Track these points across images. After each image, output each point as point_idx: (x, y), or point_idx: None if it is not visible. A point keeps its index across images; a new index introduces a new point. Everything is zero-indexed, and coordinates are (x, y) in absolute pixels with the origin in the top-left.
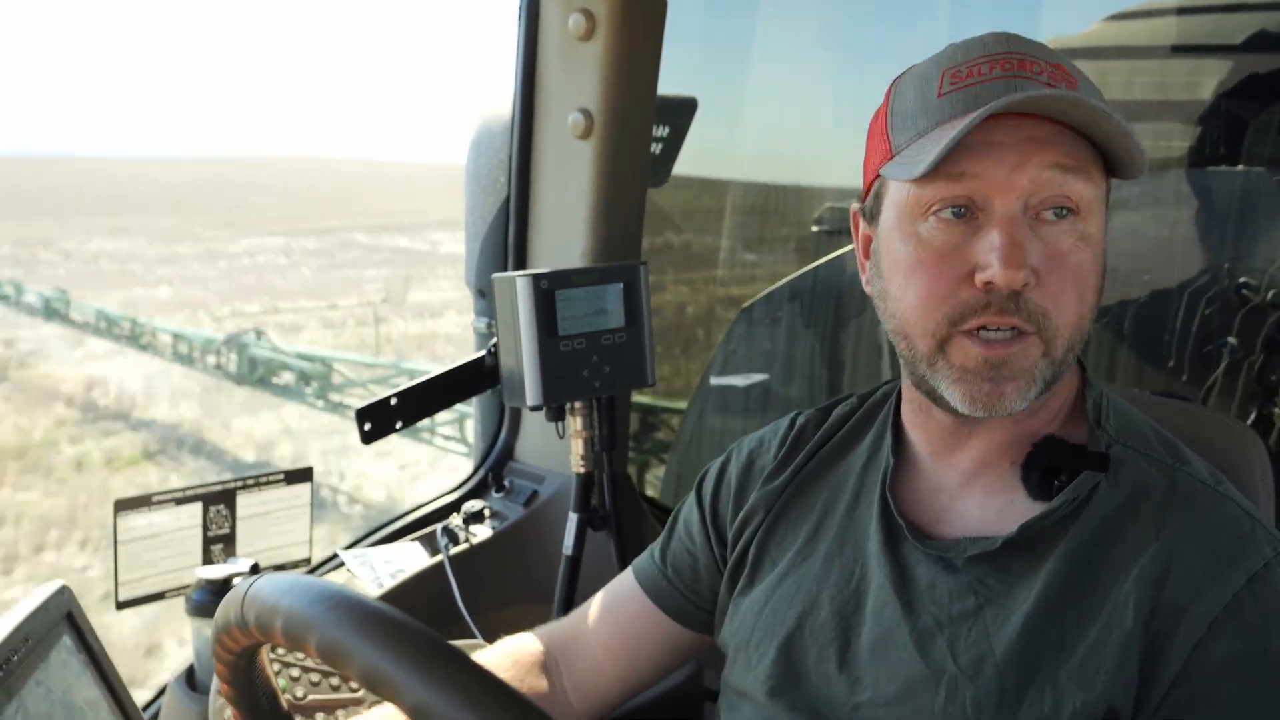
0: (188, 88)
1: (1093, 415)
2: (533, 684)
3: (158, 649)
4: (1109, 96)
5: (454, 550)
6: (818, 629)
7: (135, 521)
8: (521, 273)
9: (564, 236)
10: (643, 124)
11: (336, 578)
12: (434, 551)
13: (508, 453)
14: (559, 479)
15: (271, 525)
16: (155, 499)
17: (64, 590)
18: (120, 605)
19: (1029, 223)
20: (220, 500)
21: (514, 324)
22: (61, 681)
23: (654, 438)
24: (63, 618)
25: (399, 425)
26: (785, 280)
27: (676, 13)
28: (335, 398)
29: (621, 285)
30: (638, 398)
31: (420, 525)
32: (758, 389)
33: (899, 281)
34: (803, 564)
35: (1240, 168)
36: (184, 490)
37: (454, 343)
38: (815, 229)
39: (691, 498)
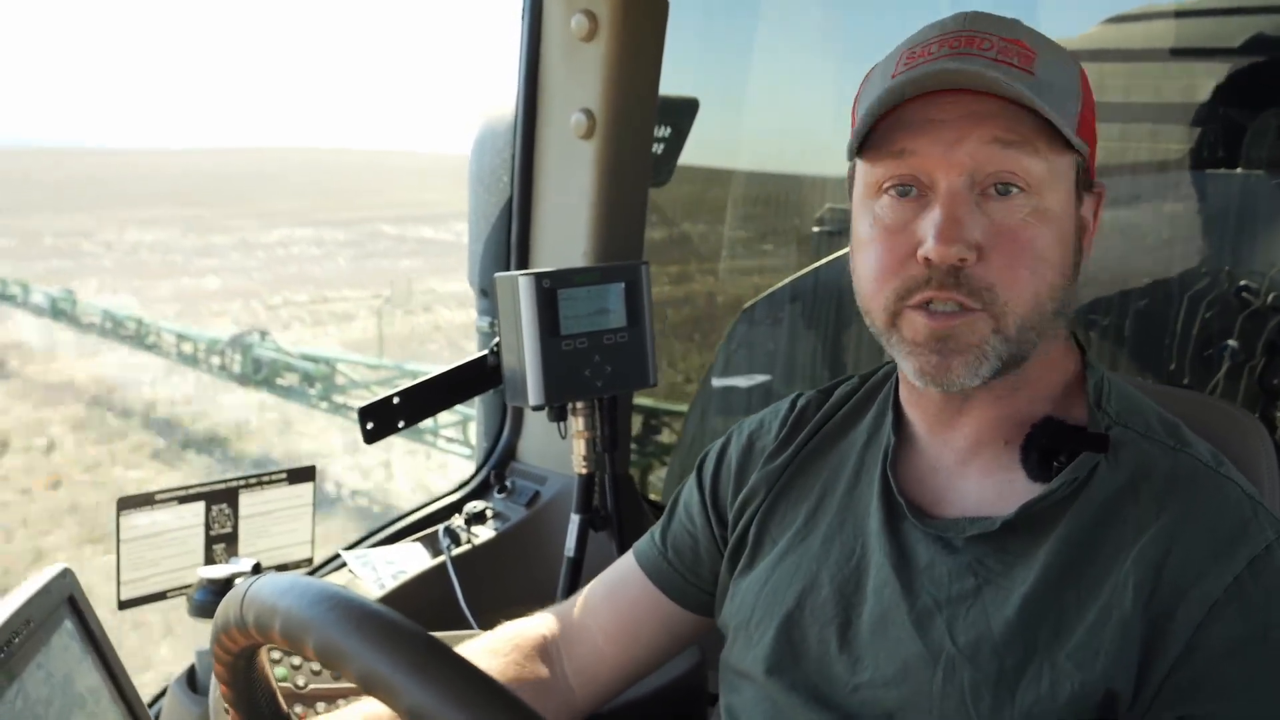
0: (195, 78)
1: (1093, 397)
2: (534, 669)
3: None
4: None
5: (456, 551)
6: (818, 607)
7: (138, 520)
8: (524, 272)
9: (566, 236)
10: (644, 124)
11: (338, 578)
12: (436, 552)
13: (510, 453)
14: (561, 479)
15: (274, 525)
16: (158, 497)
17: (66, 573)
18: (122, 605)
19: (975, 199)
20: (223, 499)
21: (516, 323)
22: (63, 665)
23: (656, 440)
24: (64, 601)
25: (401, 425)
26: (786, 281)
27: (677, 13)
28: (339, 399)
29: (623, 285)
30: (640, 400)
31: (422, 526)
32: (759, 390)
33: (859, 258)
34: (802, 543)
35: (1239, 171)
36: (186, 488)
37: None
38: (816, 229)
39: (692, 479)
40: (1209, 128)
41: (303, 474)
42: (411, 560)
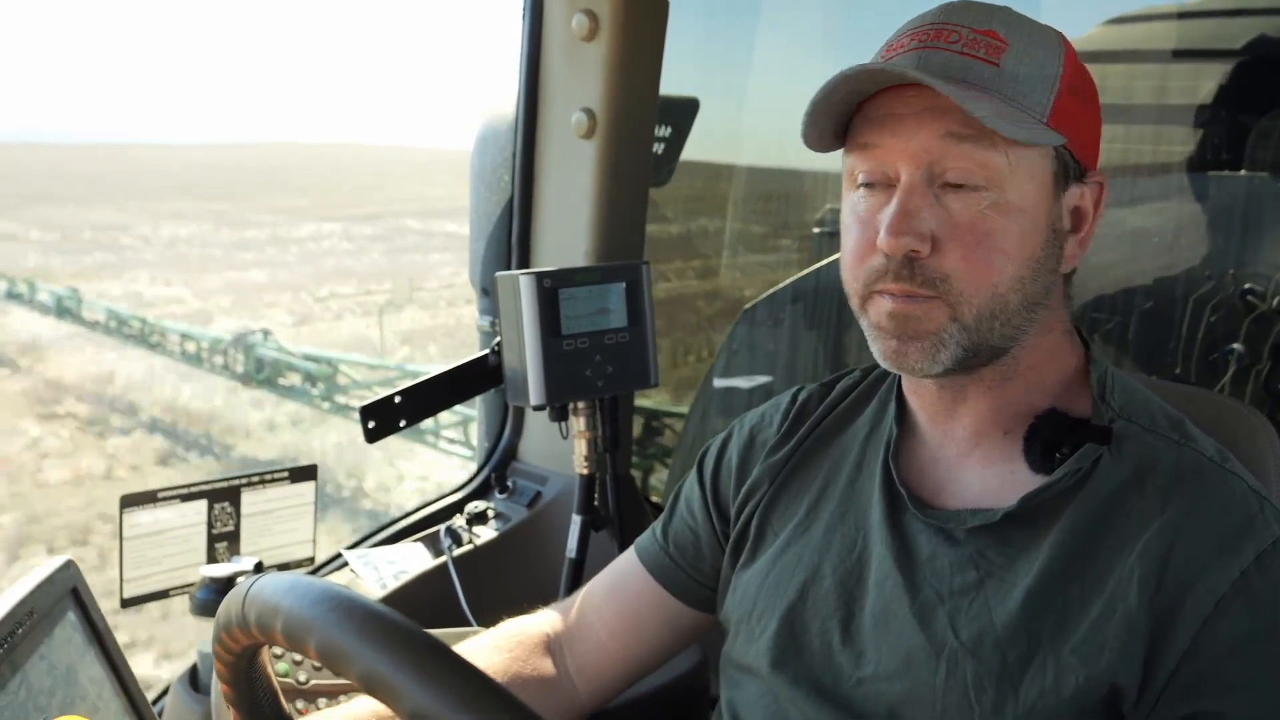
0: (205, 72)
1: (1097, 390)
2: (537, 666)
3: None
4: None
5: (457, 551)
6: (820, 599)
7: (141, 518)
8: (525, 271)
9: (567, 235)
10: (645, 124)
11: (340, 578)
12: (437, 552)
13: (511, 453)
14: (562, 480)
15: (276, 523)
16: (161, 495)
17: (69, 565)
18: (125, 603)
19: (935, 192)
20: (225, 497)
21: (517, 323)
22: (65, 656)
23: (657, 442)
24: (68, 593)
25: (403, 424)
26: (787, 282)
27: (678, 13)
28: (340, 399)
29: (624, 284)
30: (642, 402)
31: (423, 526)
32: (760, 390)
33: (842, 246)
34: (804, 535)
35: (1243, 173)
36: (189, 486)
37: None
38: (817, 230)
39: (693, 475)
40: (1212, 130)
41: (304, 473)
42: (413, 560)
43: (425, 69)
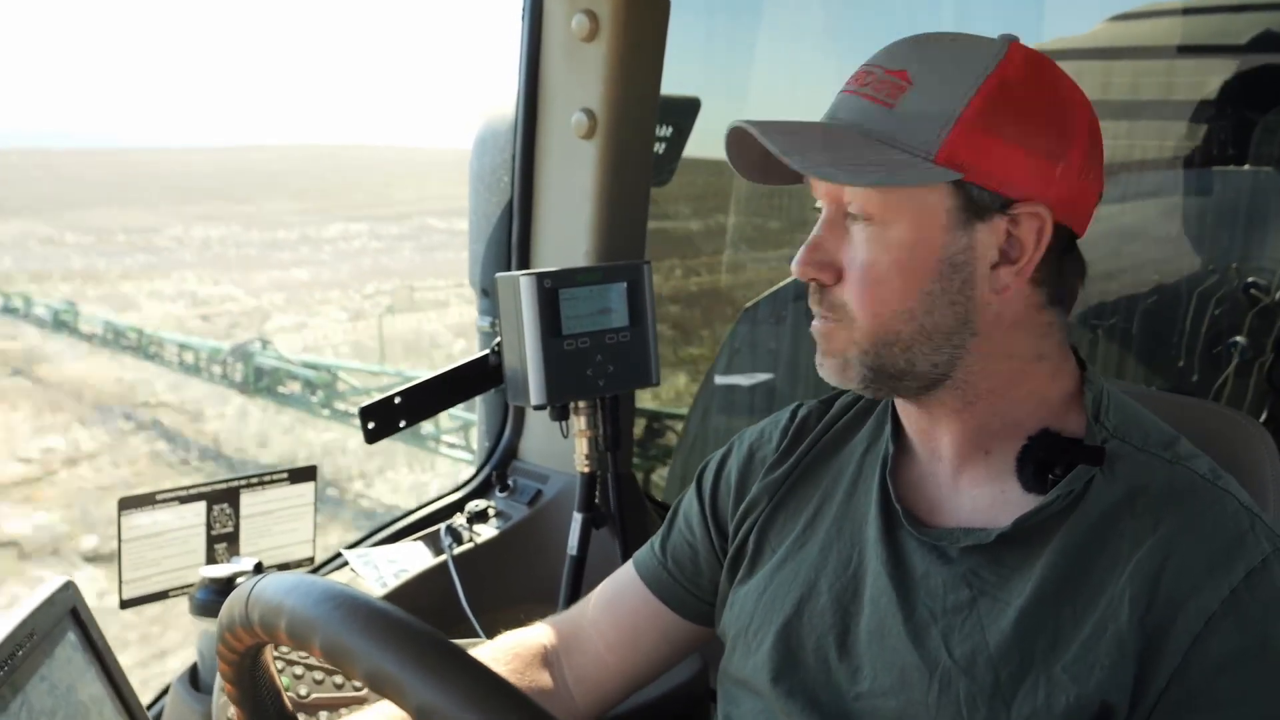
0: (208, 76)
1: (1091, 410)
2: (535, 678)
3: None
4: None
5: (458, 550)
6: (816, 615)
7: (139, 520)
8: (525, 272)
9: (567, 236)
10: (646, 124)
11: (340, 577)
12: (438, 551)
13: (511, 452)
14: (563, 478)
15: (275, 524)
16: (159, 497)
17: (69, 586)
18: (124, 604)
19: (847, 224)
20: (224, 499)
21: (517, 323)
22: (66, 677)
23: (658, 443)
24: (68, 613)
25: (403, 424)
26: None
27: (679, 12)
28: (341, 406)
29: (625, 284)
30: (643, 403)
31: (424, 525)
32: (762, 389)
33: None
34: (801, 550)
35: (1247, 167)
36: (188, 488)
37: None
38: None
39: (691, 490)
40: (1217, 125)
41: (303, 474)
42: (413, 559)
43: (428, 70)
